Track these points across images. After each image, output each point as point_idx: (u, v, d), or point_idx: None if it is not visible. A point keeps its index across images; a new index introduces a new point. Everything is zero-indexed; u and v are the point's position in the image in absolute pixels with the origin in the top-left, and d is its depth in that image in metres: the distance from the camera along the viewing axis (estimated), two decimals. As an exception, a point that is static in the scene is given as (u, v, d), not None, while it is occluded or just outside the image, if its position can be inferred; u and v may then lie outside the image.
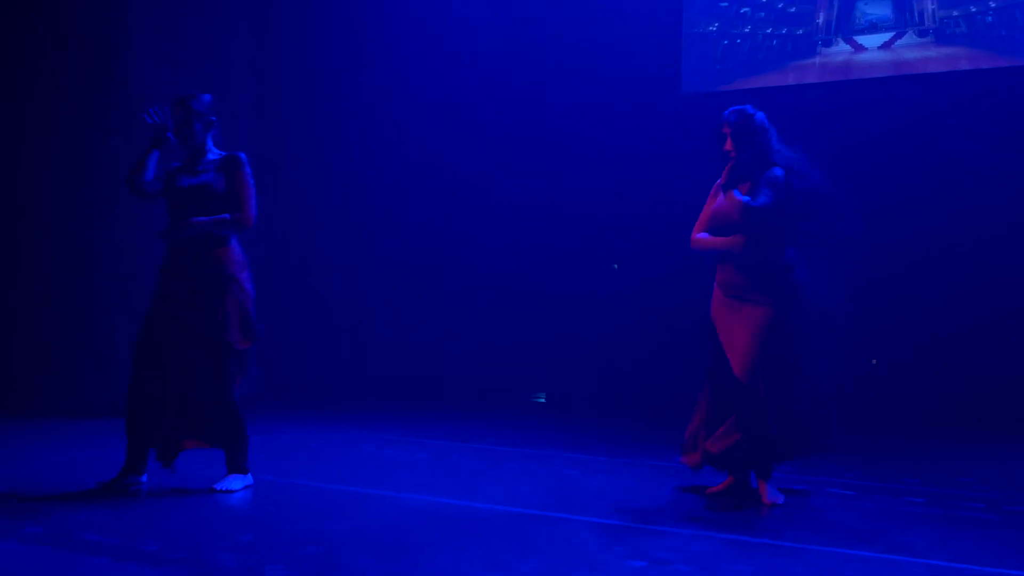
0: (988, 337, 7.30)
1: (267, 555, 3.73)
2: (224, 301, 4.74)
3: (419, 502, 4.64)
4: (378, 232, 9.25)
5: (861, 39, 7.84)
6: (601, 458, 5.86)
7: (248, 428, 4.90)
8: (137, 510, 4.43)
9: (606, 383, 8.41)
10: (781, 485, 4.85)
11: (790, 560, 3.75)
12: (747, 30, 8.17)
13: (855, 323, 7.54)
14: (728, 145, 4.74)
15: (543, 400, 8.73)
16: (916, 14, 7.69)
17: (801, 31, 8.02)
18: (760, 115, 4.76)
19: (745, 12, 8.19)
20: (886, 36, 7.77)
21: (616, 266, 8.69)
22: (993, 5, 7.45)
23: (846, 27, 7.89)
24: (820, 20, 7.97)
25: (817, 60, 7.97)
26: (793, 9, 8.05)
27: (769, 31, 8.10)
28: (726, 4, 8.25)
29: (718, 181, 4.87)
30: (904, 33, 7.71)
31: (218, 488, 4.79)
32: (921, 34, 7.67)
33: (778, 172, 4.66)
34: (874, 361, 7.63)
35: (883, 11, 7.80)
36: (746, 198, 4.60)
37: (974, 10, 7.51)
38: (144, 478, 4.87)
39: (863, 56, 7.81)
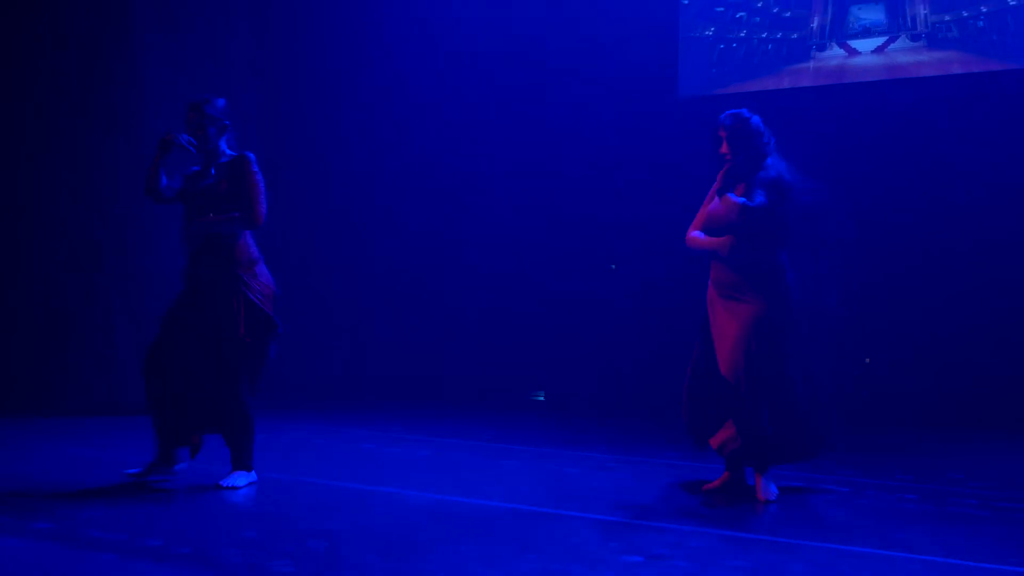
0: (980, 337, 7.31)
1: (272, 551, 3.73)
2: (230, 299, 4.76)
3: (421, 499, 4.64)
4: (379, 233, 9.24)
5: (855, 43, 7.84)
6: (600, 456, 5.86)
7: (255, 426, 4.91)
8: (142, 506, 4.43)
9: (605, 382, 8.40)
10: (777, 482, 4.84)
11: (786, 556, 3.75)
12: (743, 34, 8.18)
13: (849, 323, 7.56)
14: (724, 148, 4.75)
15: (542, 398, 8.72)
16: (909, 19, 7.69)
17: (796, 35, 8.02)
18: (756, 119, 4.76)
19: (741, 17, 8.20)
20: (879, 40, 7.77)
21: (614, 266, 8.69)
22: (984, 10, 7.45)
23: (840, 32, 7.89)
24: (814, 25, 7.97)
25: (812, 64, 7.97)
26: (788, 14, 8.05)
27: (764, 35, 8.11)
28: (722, 9, 8.25)
29: (715, 184, 4.88)
30: (897, 37, 7.72)
31: (223, 484, 4.79)
32: (914, 38, 7.67)
33: (773, 174, 4.67)
34: (867, 360, 7.63)
35: (876, 16, 7.80)
36: (743, 199, 4.60)
37: (966, 15, 7.51)
38: (179, 468, 4.92)
39: (857, 60, 7.82)
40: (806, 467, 5.20)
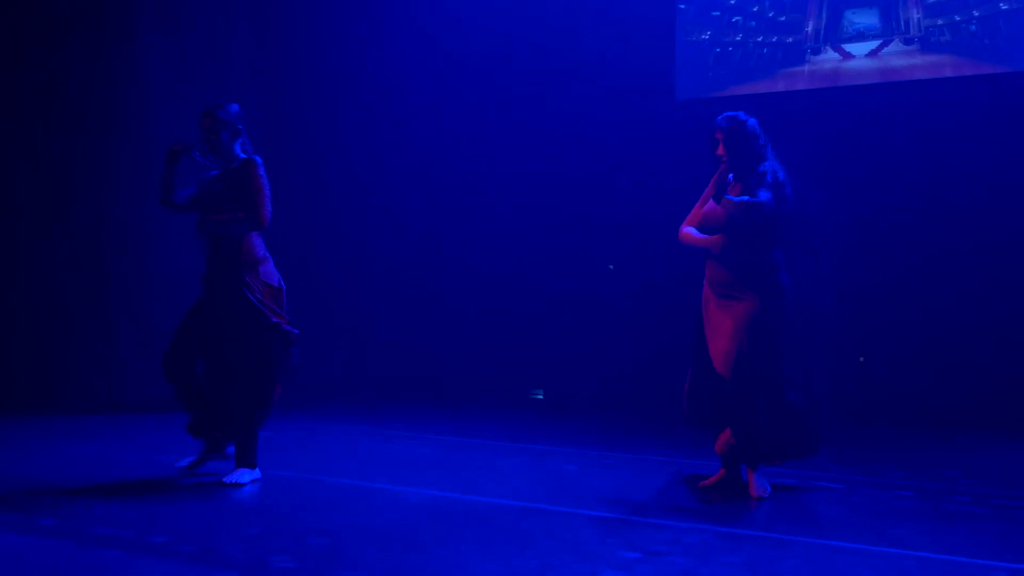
0: (975, 336, 7.30)
1: (274, 547, 3.72)
2: (231, 298, 4.78)
3: (421, 496, 4.63)
4: (380, 232, 9.23)
5: (849, 47, 7.83)
6: (598, 453, 5.85)
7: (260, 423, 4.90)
8: (147, 503, 4.42)
9: (603, 380, 8.39)
10: (771, 479, 4.83)
11: (780, 552, 3.74)
12: (739, 38, 8.17)
13: (844, 322, 7.55)
14: (720, 150, 4.75)
15: (541, 397, 8.71)
16: (902, 23, 7.69)
17: (791, 39, 8.01)
18: (752, 121, 4.75)
19: (737, 21, 8.19)
20: (873, 44, 7.76)
21: (611, 267, 8.68)
22: (976, 15, 7.45)
23: (834, 35, 7.88)
24: (809, 29, 7.96)
25: (806, 67, 7.96)
26: (783, 18, 8.05)
27: (760, 39, 8.10)
28: (718, 13, 8.24)
29: (716, 176, 4.86)
30: (891, 41, 7.71)
31: (226, 481, 4.78)
32: (907, 42, 7.66)
33: (770, 176, 4.66)
34: (862, 359, 7.63)
35: (870, 20, 7.79)
36: (746, 197, 4.58)
37: (958, 19, 7.50)
38: (229, 451, 5.00)
39: (851, 63, 7.81)
40: (801, 464, 5.19)
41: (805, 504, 4.58)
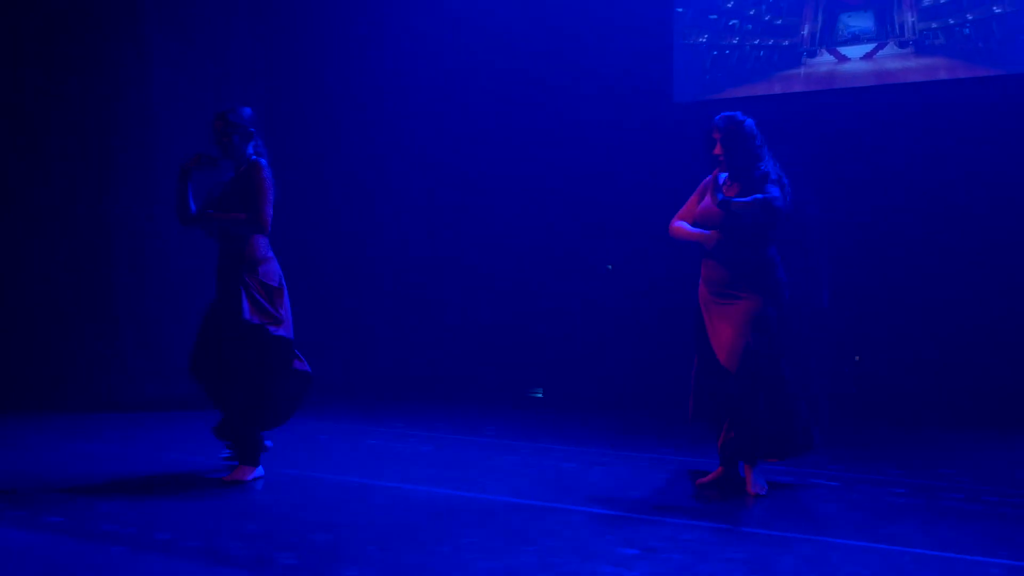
0: (968, 335, 7.28)
1: (277, 544, 3.72)
2: (230, 297, 4.80)
3: (422, 493, 4.62)
4: (381, 233, 9.22)
5: (844, 50, 7.82)
6: (596, 451, 5.84)
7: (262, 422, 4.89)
8: (151, 501, 4.41)
9: (601, 379, 8.38)
10: (768, 477, 4.82)
11: (777, 549, 3.73)
12: (735, 41, 8.16)
13: (840, 321, 7.54)
14: (717, 149, 4.72)
15: (541, 396, 8.70)
16: (897, 26, 7.67)
17: (787, 42, 8.00)
18: (749, 121, 4.74)
19: (734, 24, 8.18)
20: (868, 47, 7.74)
21: (610, 267, 8.67)
22: (970, 18, 7.43)
23: (830, 39, 7.87)
24: (805, 32, 7.95)
25: (802, 70, 7.95)
26: (779, 22, 8.04)
27: (756, 42, 8.09)
28: (715, 17, 8.24)
29: (706, 179, 4.85)
30: (885, 44, 7.70)
31: (227, 479, 4.77)
32: (902, 45, 7.65)
33: (774, 172, 4.65)
34: (857, 358, 7.61)
35: (865, 23, 7.78)
36: (759, 195, 4.56)
37: (952, 23, 7.49)
38: (268, 444, 5.00)
39: (846, 66, 7.80)
40: (797, 462, 5.18)
41: (802, 501, 4.57)
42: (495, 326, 8.88)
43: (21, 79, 7.69)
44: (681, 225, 4.83)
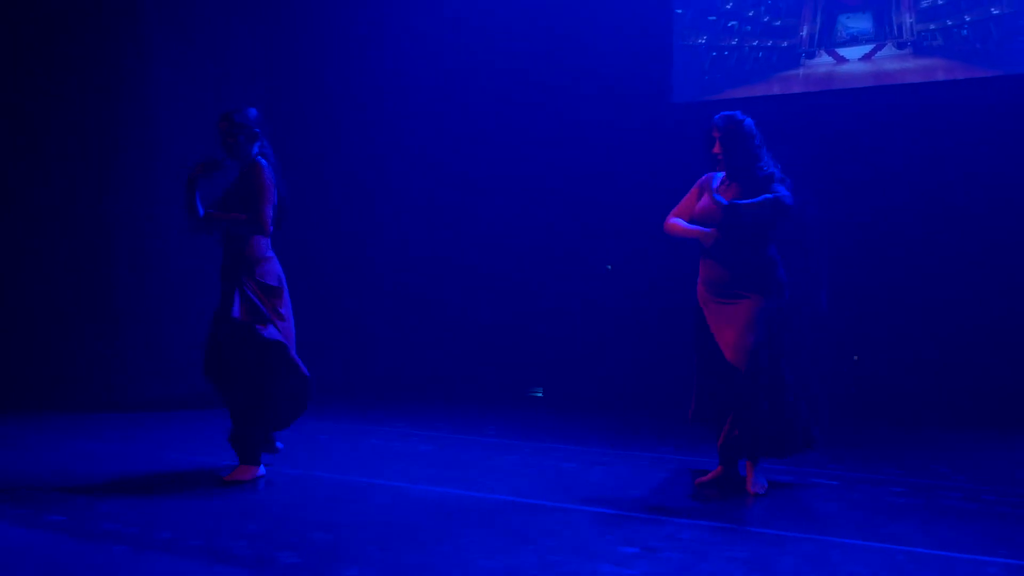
0: (966, 334, 7.28)
1: (278, 543, 3.71)
2: (228, 296, 4.80)
3: (423, 492, 4.62)
4: (381, 233, 9.22)
5: (843, 51, 7.82)
6: (596, 450, 5.84)
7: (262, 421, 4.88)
8: (153, 500, 4.41)
9: (601, 379, 8.38)
10: (768, 476, 4.82)
11: (776, 547, 3.73)
12: (734, 43, 8.16)
13: (838, 321, 7.54)
14: (716, 148, 4.71)
15: (541, 395, 8.70)
16: (895, 27, 7.68)
17: (786, 44, 8.00)
18: (749, 121, 4.73)
19: (732, 25, 8.18)
20: (866, 48, 7.75)
21: (609, 267, 8.67)
22: (968, 19, 7.44)
23: (828, 40, 7.87)
24: (804, 33, 7.95)
25: (801, 71, 7.95)
26: (778, 23, 8.04)
27: (755, 43, 8.09)
28: (714, 18, 8.24)
29: (702, 178, 4.83)
30: (884, 45, 7.70)
31: (227, 478, 4.76)
32: (900, 46, 7.65)
33: (778, 172, 4.65)
34: (856, 357, 7.62)
35: (864, 25, 7.78)
36: (771, 195, 4.55)
37: (950, 24, 7.49)
38: (279, 445, 5.03)
39: (845, 67, 7.80)
40: (796, 462, 5.18)
41: (802, 500, 4.56)
42: (495, 326, 8.88)
43: (21, 79, 7.69)
44: (678, 222, 4.81)
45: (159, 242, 7.79)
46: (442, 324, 9.05)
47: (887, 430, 6.71)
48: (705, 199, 4.74)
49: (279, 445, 4.99)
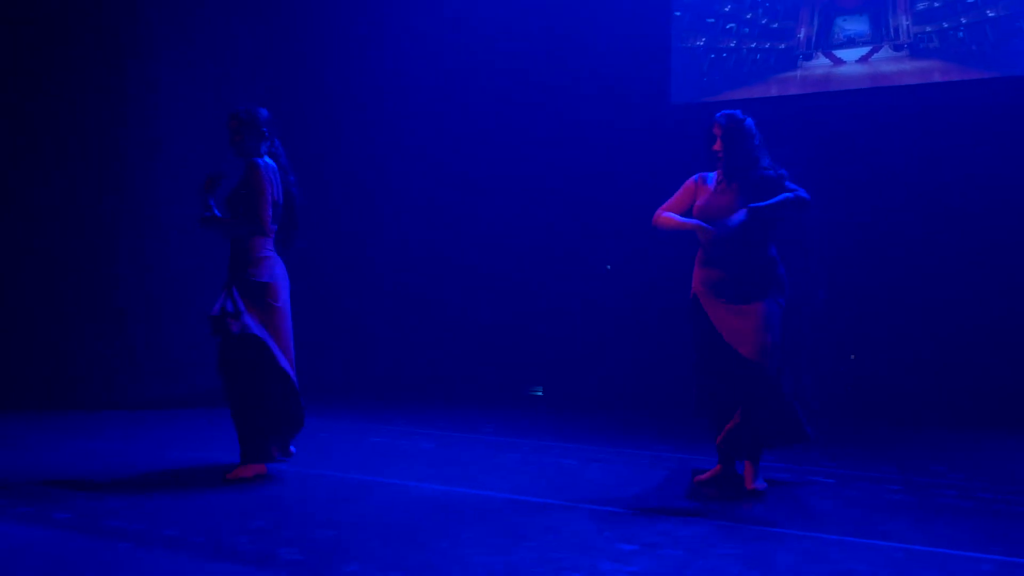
0: (961, 334, 7.30)
1: (281, 539, 3.73)
2: (221, 292, 4.79)
3: (424, 490, 4.63)
4: (381, 233, 9.23)
5: (840, 53, 7.84)
6: (595, 448, 5.85)
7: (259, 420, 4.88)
8: (158, 497, 4.42)
9: (601, 378, 8.39)
10: (765, 475, 4.83)
11: (774, 544, 3.74)
12: (732, 44, 8.17)
13: (835, 321, 7.55)
14: (717, 145, 4.71)
15: (541, 394, 8.71)
16: (892, 30, 7.69)
17: (783, 46, 8.02)
18: (749, 120, 4.74)
19: (731, 28, 8.19)
20: (863, 50, 7.76)
21: (609, 267, 8.68)
22: (964, 21, 7.45)
23: (825, 42, 7.89)
24: (801, 35, 7.97)
25: (798, 73, 7.96)
26: (776, 25, 8.05)
27: (753, 45, 8.10)
28: (713, 20, 8.25)
29: (693, 177, 4.82)
30: (880, 47, 7.71)
31: (229, 476, 4.77)
32: (896, 48, 7.66)
33: (785, 172, 4.66)
34: (852, 356, 7.63)
35: (860, 27, 7.80)
36: (789, 195, 4.56)
37: (946, 26, 7.51)
38: (292, 448, 5.01)
39: (842, 69, 7.81)
40: (792, 460, 5.19)
41: (799, 498, 4.58)
42: (495, 326, 8.89)
43: (23, 79, 7.69)
44: (670, 215, 4.77)
45: (160, 242, 7.80)
46: (442, 324, 9.06)
47: (884, 429, 6.73)
48: (706, 198, 4.72)
49: (292, 449, 4.98)
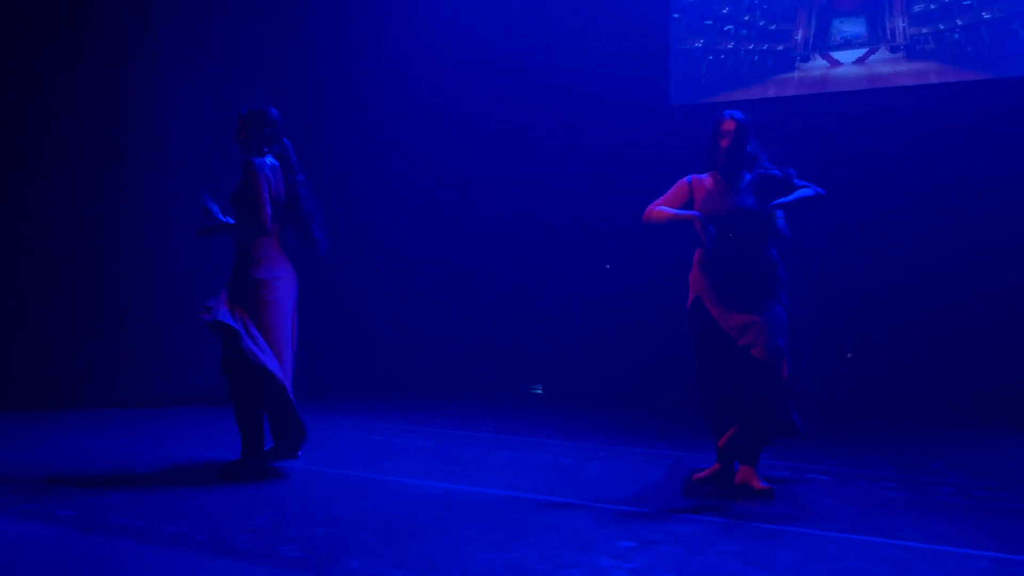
0: (958, 333, 7.31)
1: (281, 537, 3.72)
2: (229, 290, 4.78)
3: (423, 487, 4.62)
4: (382, 233, 9.23)
5: (837, 55, 7.84)
6: (594, 446, 5.84)
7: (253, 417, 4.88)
8: (160, 495, 4.41)
9: (599, 376, 8.39)
10: (764, 472, 4.82)
11: (772, 541, 3.74)
12: (731, 46, 8.17)
13: (832, 320, 7.55)
14: (726, 141, 4.64)
15: (540, 392, 8.71)
16: (888, 31, 7.69)
17: (781, 47, 8.02)
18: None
19: (729, 30, 8.19)
20: (860, 52, 7.76)
21: (608, 267, 8.68)
22: (960, 23, 7.46)
23: (823, 44, 7.89)
24: (798, 37, 7.97)
25: (796, 74, 7.96)
26: (773, 27, 8.06)
27: (751, 47, 8.10)
28: (711, 22, 8.25)
29: (687, 178, 4.77)
30: (877, 49, 7.71)
31: (220, 472, 4.76)
32: (893, 50, 7.67)
33: (790, 171, 4.64)
34: (849, 355, 7.63)
35: (857, 29, 7.80)
36: (809, 191, 4.54)
37: (942, 28, 7.51)
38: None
39: (839, 71, 7.81)
40: (790, 457, 5.18)
41: (797, 495, 4.57)
42: (494, 325, 8.89)
43: (28, 77, 7.69)
44: (664, 209, 4.67)
45: (161, 241, 7.80)
46: (442, 324, 9.06)
47: (882, 427, 6.73)
48: (712, 199, 4.65)
49: (299, 453, 4.97)
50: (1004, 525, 4.02)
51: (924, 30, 7.56)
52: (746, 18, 8.13)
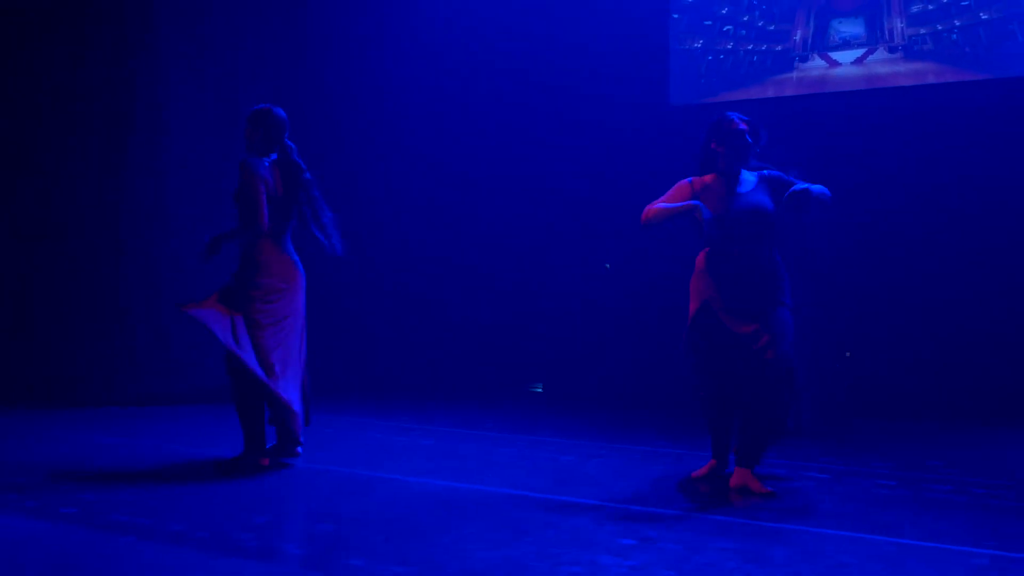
0: (955, 332, 7.32)
1: (283, 534, 3.73)
2: (223, 289, 4.78)
3: (424, 485, 4.64)
4: (383, 232, 9.22)
5: (835, 55, 7.85)
6: (594, 444, 5.86)
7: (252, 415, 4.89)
8: (162, 492, 4.42)
9: (600, 375, 8.40)
10: (761, 469, 4.83)
11: (770, 539, 3.75)
12: (730, 47, 8.18)
13: (831, 319, 7.56)
14: (748, 138, 4.60)
15: (540, 390, 8.72)
16: (886, 32, 7.71)
17: (780, 48, 8.03)
18: None
19: (728, 30, 8.21)
20: (858, 52, 7.78)
21: (608, 266, 8.69)
22: (958, 24, 7.47)
23: (821, 44, 7.90)
24: (797, 37, 7.98)
25: (795, 75, 7.98)
26: (772, 27, 8.07)
27: (750, 47, 8.11)
28: (710, 23, 8.26)
29: (688, 179, 4.77)
30: (875, 49, 7.73)
31: (217, 467, 4.78)
32: (891, 50, 7.68)
33: (792, 172, 4.65)
34: (848, 354, 7.64)
35: (856, 29, 7.81)
36: (818, 188, 4.54)
37: (940, 28, 7.53)
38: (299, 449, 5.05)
39: (837, 71, 7.83)
40: (788, 455, 5.20)
41: (795, 493, 4.58)
42: (495, 325, 8.90)
43: (30, 74, 7.70)
44: (662, 205, 4.60)
45: (163, 240, 7.80)
46: (442, 323, 9.06)
47: (880, 425, 6.74)
48: (714, 200, 4.62)
49: (299, 449, 4.99)
50: (1002, 522, 4.04)
51: (922, 31, 7.58)
52: (745, 18, 8.15)
